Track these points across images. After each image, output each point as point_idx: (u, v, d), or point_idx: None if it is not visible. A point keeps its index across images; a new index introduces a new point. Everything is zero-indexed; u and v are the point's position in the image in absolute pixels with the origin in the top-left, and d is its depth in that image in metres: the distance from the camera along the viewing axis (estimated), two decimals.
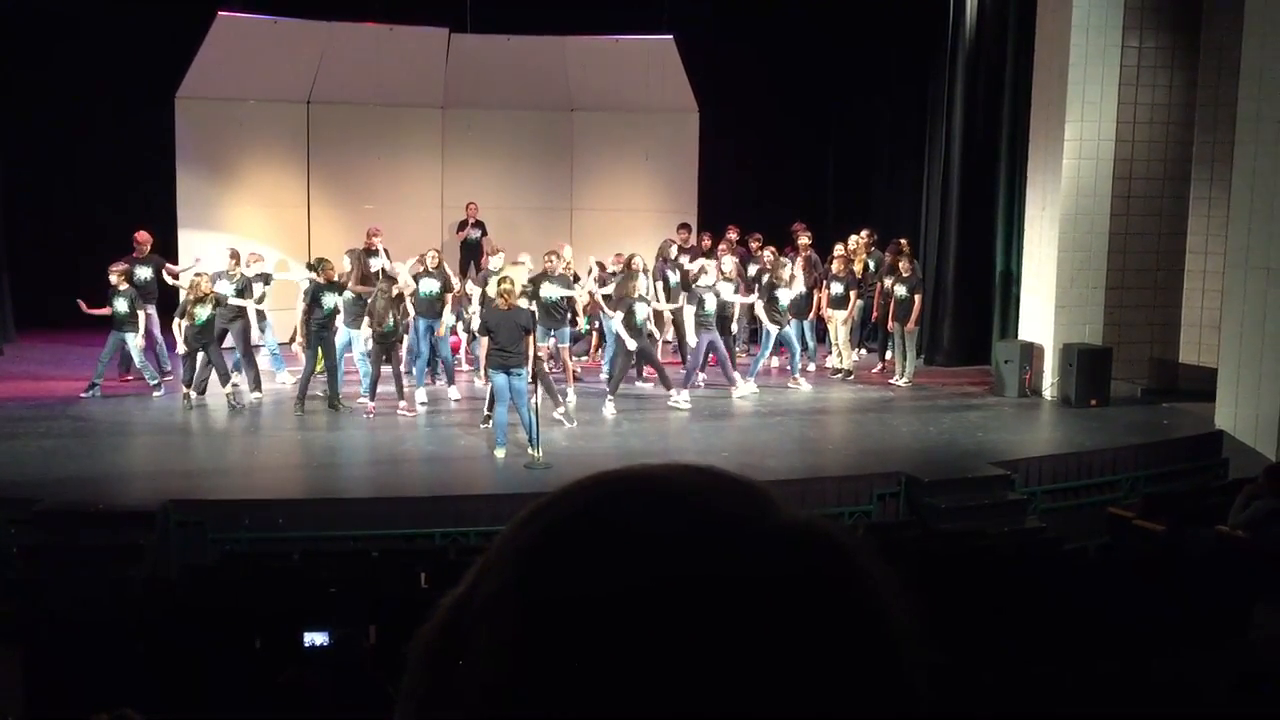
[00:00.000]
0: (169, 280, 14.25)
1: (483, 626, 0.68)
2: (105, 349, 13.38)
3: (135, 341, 13.27)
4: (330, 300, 12.84)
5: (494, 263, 14.23)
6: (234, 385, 13.25)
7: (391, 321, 12.60)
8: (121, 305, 13.19)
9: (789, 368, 14.91)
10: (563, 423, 12.29)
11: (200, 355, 12.87)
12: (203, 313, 12.63)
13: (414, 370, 13.60)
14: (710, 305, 13.59)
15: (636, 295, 13.03)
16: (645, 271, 13.89)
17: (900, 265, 15.01)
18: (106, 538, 9.03)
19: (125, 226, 14.55)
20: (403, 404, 12.78)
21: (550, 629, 0.65)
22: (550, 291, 13.51)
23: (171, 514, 9.45)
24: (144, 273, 13.95)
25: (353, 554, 9.00)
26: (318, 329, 12.79)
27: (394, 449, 11.58)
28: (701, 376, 14.29)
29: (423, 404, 13.25)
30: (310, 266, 13.32)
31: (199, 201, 16.60)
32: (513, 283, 11.64)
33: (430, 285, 13.52)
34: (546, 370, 13.11)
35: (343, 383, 13.39)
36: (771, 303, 14.39)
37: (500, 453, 11.12)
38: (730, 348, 15.21)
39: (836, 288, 15.32)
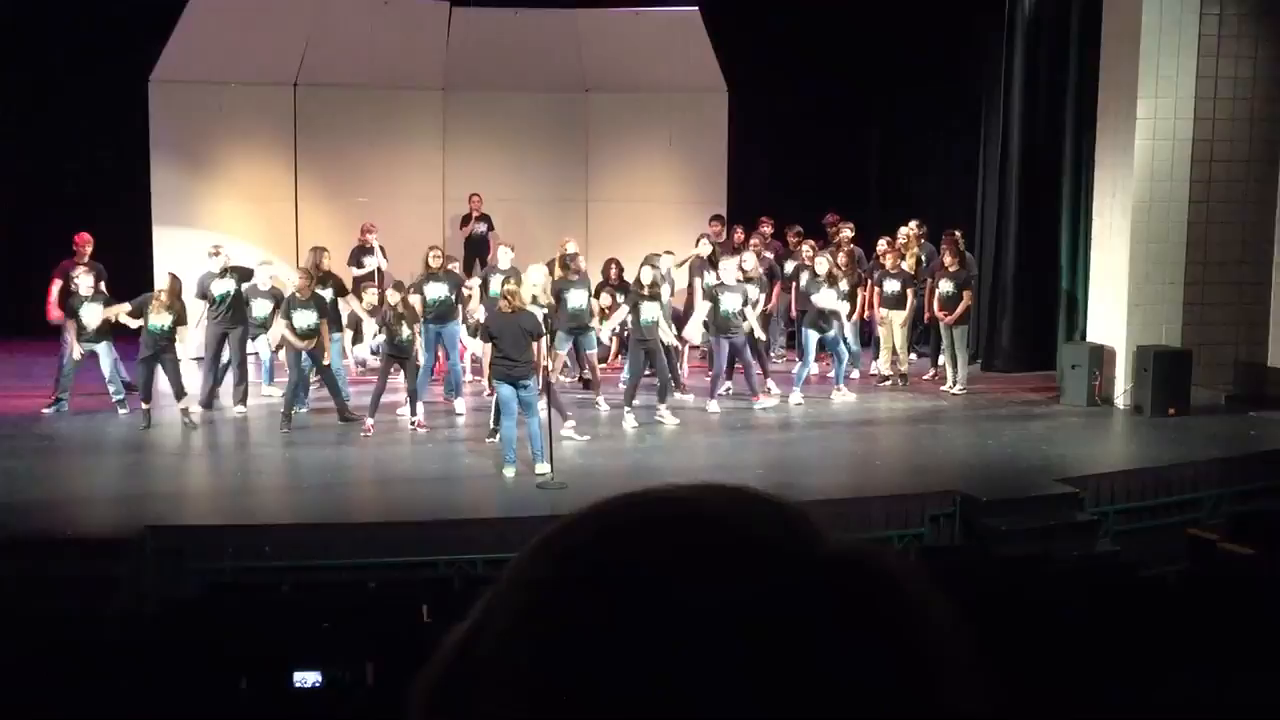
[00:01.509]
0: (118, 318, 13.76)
1: (492, 668, 0.68)
2: (65, 360, 13.39)
3: (107, 353, 13.24)
4: (304, 318, 12.90)
5: (502, 259, 14.27)
6: (189, 402, 13.36)
7: (406, 332, 12.64)
8: (90, 314, 13.22)
9: (831, 375, 14.86)
10: (573, 437, 12.30)
11: (204, 366, 12.97)
12: (161, 321, 12.63)
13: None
14: (726, 304, 13.58)
15: (645, 292, 13.03)
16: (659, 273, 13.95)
17: (946, 259, 14.99)
18: (76, 568, 9.07)
19: (92, 225, 14.59)
20: (416, 419, 12.83)
21: (567, 673, 0.65)
22: (579, 300, 13.55)
23: (148, 541, 9.49)
24: (86, 281, 13.35)
25: (348, 584, 9.03)
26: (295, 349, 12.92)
27: (392, 468, 11.62)
28: (727, 384, 14.29)
29: (414, 420, 13.27)
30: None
31: (175, 195, 16.65)
32: (519, 283, 11.64)
33: (438, 290, 13.55)
34: (554, 381, 13.14)
35: (348, 393, 13.46)
36: (807, 304, 14.33)
37: (509, 471, 11.15)
38: (761, 352, 15.20)
39: (892, 285, 15.28)
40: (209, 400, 13.55)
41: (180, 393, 12.80)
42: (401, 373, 12.89)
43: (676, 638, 0.64)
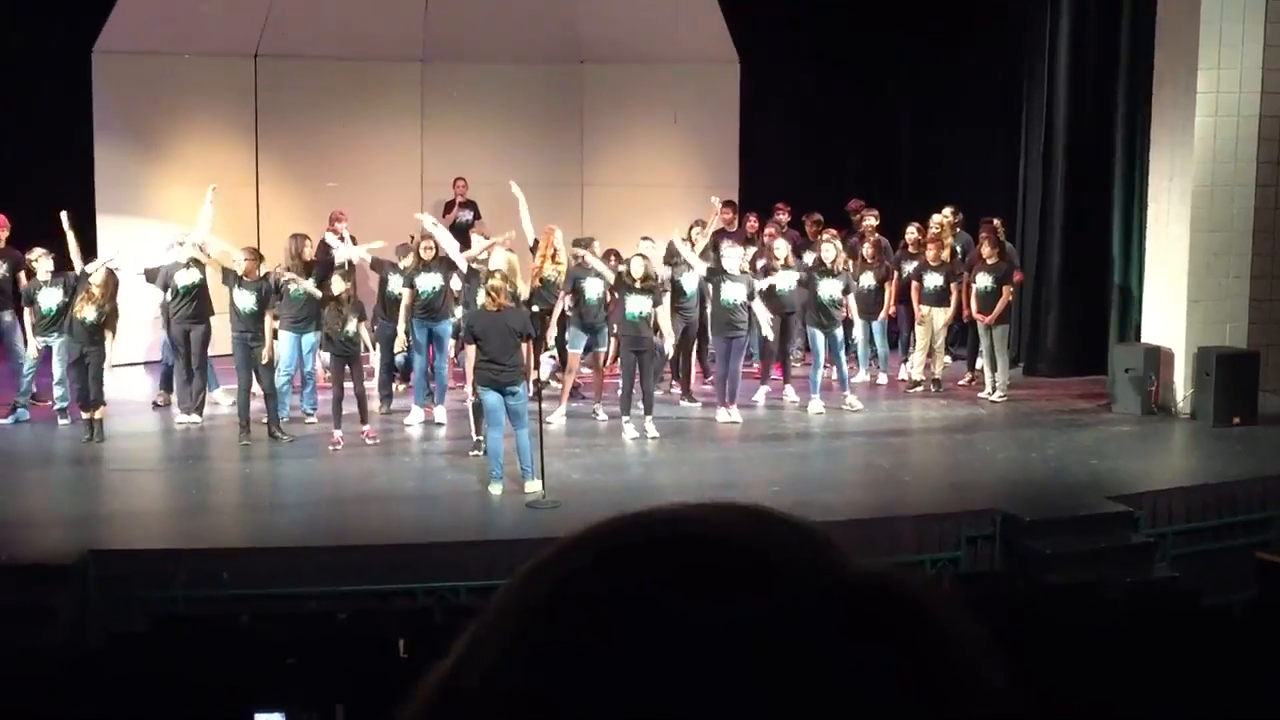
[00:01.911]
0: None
1: (482, 704, 0.68)
2: (20, 359, 13.41)
3: (63, 352, 13.15)
4: (244, 299, 12.88)
5: (496, 259, 14.24)
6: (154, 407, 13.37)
7: (350, 326, 12.62)
8: (49, 302, 13.22)
9: (857, 378, 14.84)
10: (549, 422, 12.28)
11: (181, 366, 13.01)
12: (86, 315, 12.64)
13: (406, 385, 13.89)
14: (728, 295, 13.56)
15: (635, 284, 13.05)
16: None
17: (985, 251, 15.00)
18: (11, 597, 9.07)
19: (27, 213, 14.54)
20: (366, 429, 12.82)
21: (567, 701, 0.65)
22: (596, 289, 13.56)
23: (91, 567, 9.48)
24: (46, 265, 13.39)
25: (315, 616, 9.03)
26: (236, 335, 12.92)
27: (365, 485, 11.63)
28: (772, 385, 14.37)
29: (406, 424, 13.33)
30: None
31: (122, 180, 16.65)
32: (504, 277, 11.62)
33: (431, 281, 13.55)
34: (545, 384, 13.13)
35: (313, 402, 13.43)
36: (814, 295, 14.33)
37: (495, 489, 11.16)
38: (787, 354, 15.19)
39: (934, 279, 15.26)
40: (200, 405, 13.49)
41: (98, 401, 12.74)
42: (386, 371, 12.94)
43: (681, 659, 0.65)
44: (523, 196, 14.18)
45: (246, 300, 12.88)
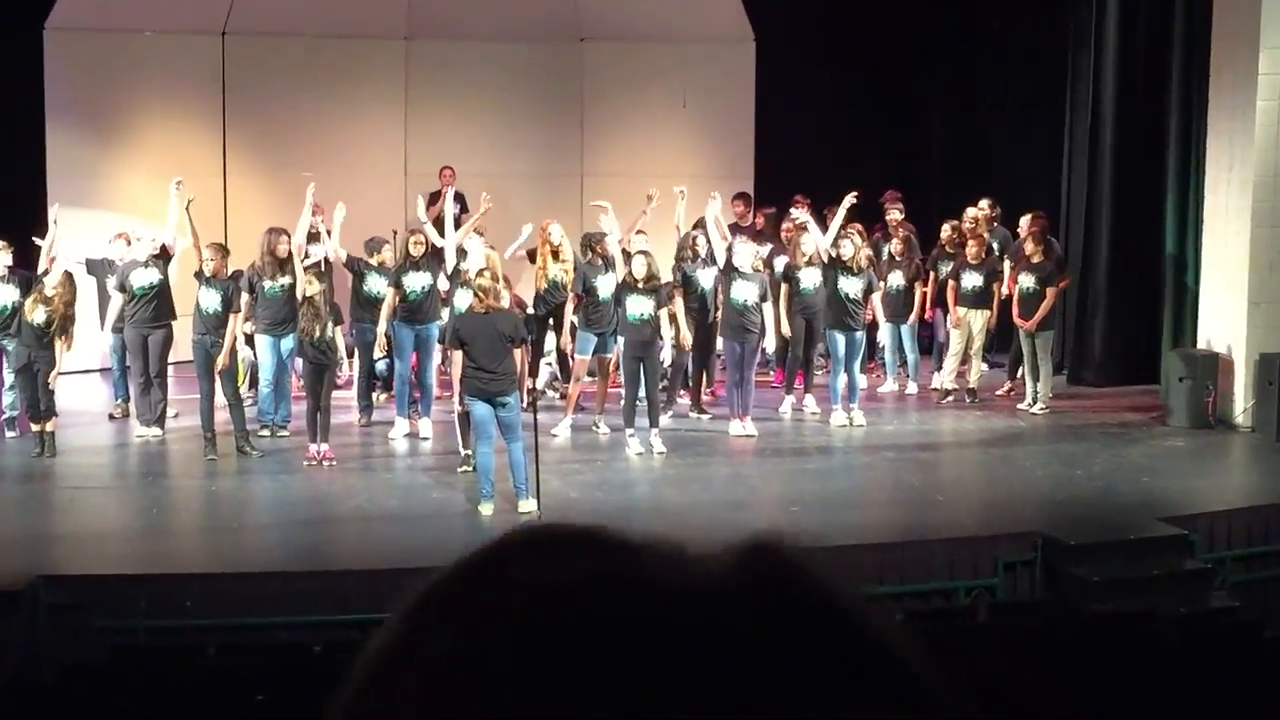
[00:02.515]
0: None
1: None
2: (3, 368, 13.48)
3: (19, 357, 13.19)
4: (209, 299, 12.92)
5: (472, 253, 14.25)
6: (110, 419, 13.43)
7: (321, 333, 12.61)
8: (2, 300, 13.27)
9: (889, 386, 14.82)
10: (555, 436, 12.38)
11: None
12: (37, 318, 12.67)
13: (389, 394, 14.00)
14: (739, 295, 13.59)
15: (638, 283, 13.07)
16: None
17: (1028, 247, 14.98)
18: None
19: None
20: (315, 448, 12.69)
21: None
22: (610, 287, 13.63)
23: (42, 594, 9.48)
24: (4, 259, 13.47)
25: (287, 648, 9.03)
26: (197, 338, 12.96)
27: (343, 505, 11.65)
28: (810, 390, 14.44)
29: (397, 436, 13.35)
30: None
31: (76, 169, 16.67)
32: (493, 275, 11.63)
33: (420, 281, 13.57)
34: (541, 394, 13.15)
35: (286, 413, 13.50)
36: (834, 294, 14.32)
37: (486, 508, 11.18)
38: (810, 360, 15.19)
39: (973, 279, 15.24)
40: (161, 417, 13.53)
41: (49, 411, 12.77)
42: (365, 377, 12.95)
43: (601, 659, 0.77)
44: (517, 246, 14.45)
45: (211, 300, 12.89)
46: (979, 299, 15.23)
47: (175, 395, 14.14)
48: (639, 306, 13.09)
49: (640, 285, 13.16)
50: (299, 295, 13.01)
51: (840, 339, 14.33)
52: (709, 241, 14.37)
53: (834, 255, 14.42)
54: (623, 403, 13.39)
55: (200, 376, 12.97)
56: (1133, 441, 13.87)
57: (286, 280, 13.30)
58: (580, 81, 18.38)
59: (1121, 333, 16.32)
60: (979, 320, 15.26)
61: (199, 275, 12.99)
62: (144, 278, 13.46)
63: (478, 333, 11.20)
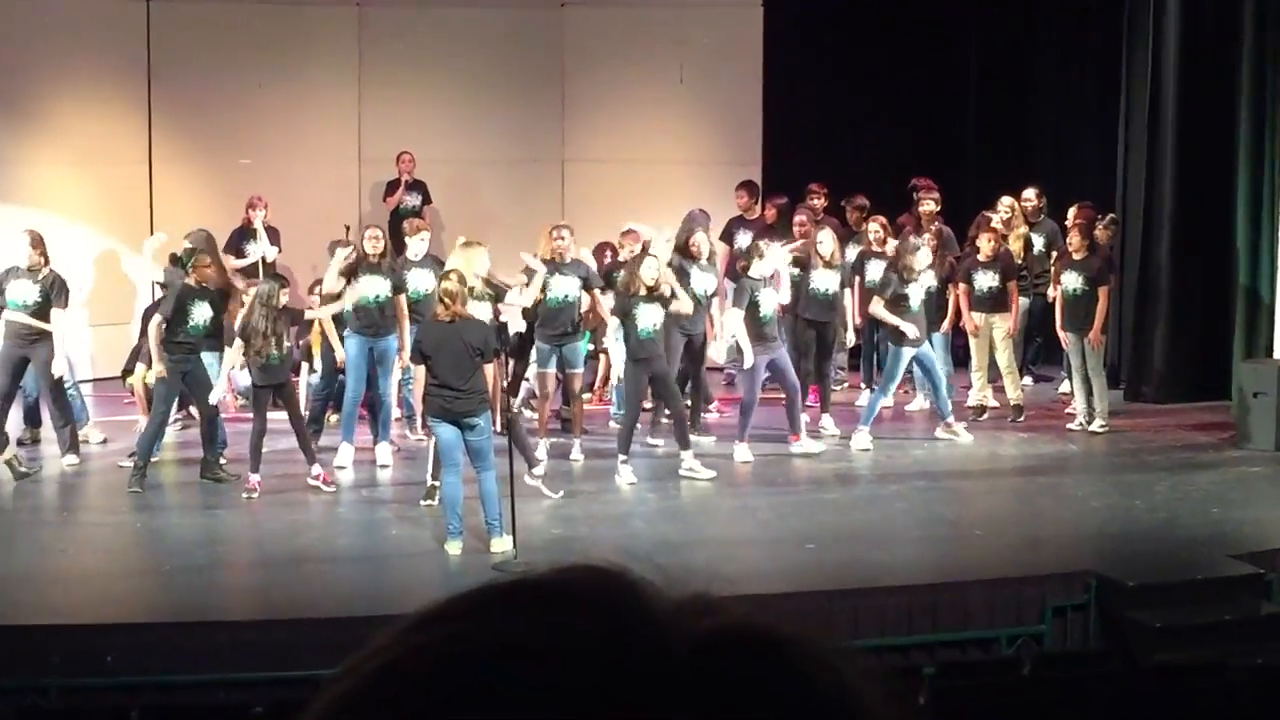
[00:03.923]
0: None
1: None
2: None
3: None
4: (203, 314, 12.98)
5: (414, 247, 14.24)
6: (19, 445, 13.50)
7: (276, 349, 12.64)
8: None
9: (937, 407, 14.93)
10: (543, 492, 12.38)
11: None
12: None
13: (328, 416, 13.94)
14: (769, 307, 13.71)
15: (644, 291, 13.02)
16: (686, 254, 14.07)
17: (1073, 243, 15.03)
18: None
19: None
20: (316, 471, 12.87)
21: None
22: (563, 288, 13.67)
23: None
24: None
25: (224, 710, 9.03)
26: (182, 357, 12.96)
27: (289, 544, 11.63)
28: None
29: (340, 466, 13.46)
30: (177, 260, 13.45)
31: None
32: (461, 279, 11.62)
33: (375, 286, 13.64)
34: (518, 414, 13.17)
35: (223, 438, 13.57)
36: (899, 307, 14.32)
37: (453, 547, 11.18)
38: (827, 374, 15.24)
39: (986, 279, 15.25)
40: (74, 443, 13.60)
41: (3, 441, 12.88)
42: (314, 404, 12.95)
43: None
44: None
45: (204, 313, 13.02)
46: (994, 302, 15.26)
47: (98, 417, 14.22)
48: (650, 318, 12.97)
49: (650, 293, 13.03)
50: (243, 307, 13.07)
51: (906, 354, 14.42)
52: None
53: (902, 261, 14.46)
54: (618, 426, 13.44)
55: (158, 401, 13.11)
56: (1200, 467, 13.84)
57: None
58: (560, 52, 18.40)
59: (1186, 341, 16.26)
60: (999, 327, 15.31)
61: (188, 297, 13.00)
62: (21, 293, 13.34)
63: (441, 344, 11.16)
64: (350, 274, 13.50)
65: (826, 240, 14.78)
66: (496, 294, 13.16)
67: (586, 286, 13.89)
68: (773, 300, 13.77)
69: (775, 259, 14.02)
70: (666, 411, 13.99)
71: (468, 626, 0.95)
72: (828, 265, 14.72)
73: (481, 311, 12.18)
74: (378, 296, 13.55)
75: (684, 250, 14.34)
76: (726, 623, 0.95)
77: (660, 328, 13.11)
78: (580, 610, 0.94)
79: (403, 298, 13.69)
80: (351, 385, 13.64)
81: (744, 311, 13.59)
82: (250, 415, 13.07)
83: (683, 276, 13.89)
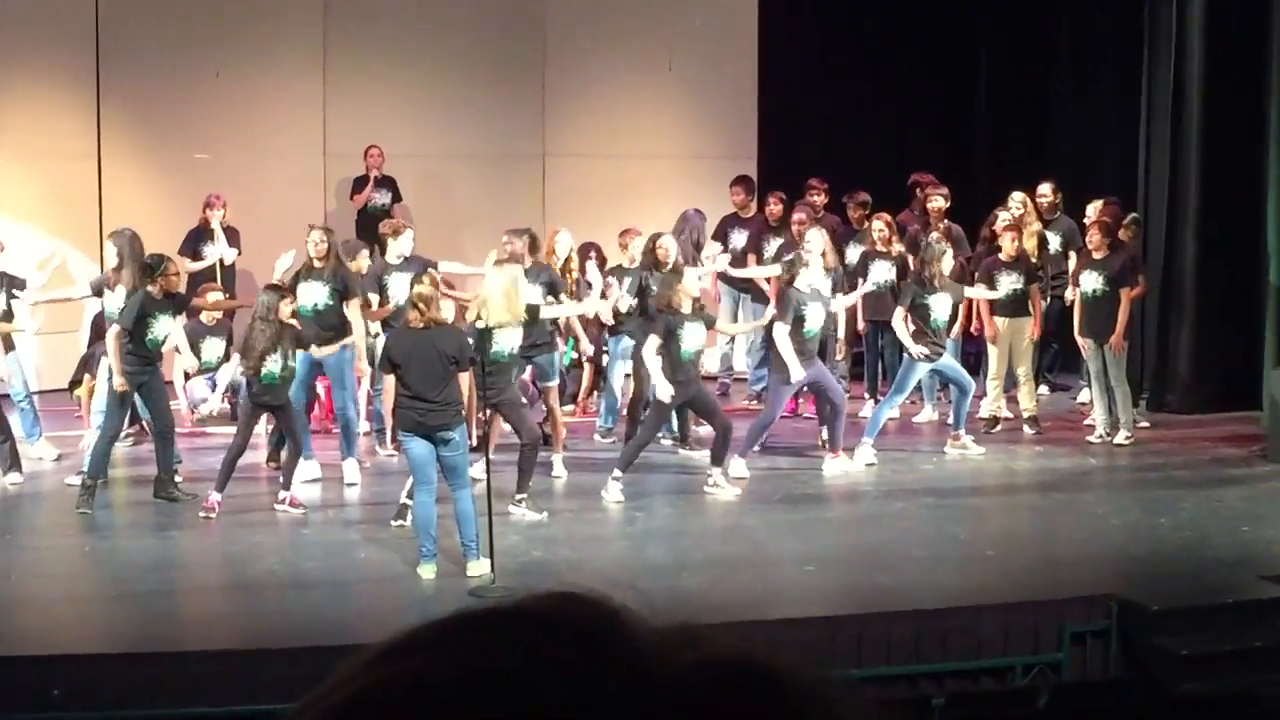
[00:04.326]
0: None
1: None
2: None
3: None
4: (165, 326, 12.95)
5: (395, 248, 14.18)
6: None
7: (277, 364, 12.52)
8: None
9: (954, 416, 14.90)
10: (519, 513, 12.39)
11: None
12: None
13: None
14: (816, 322, 13.69)
15: (687, 309, 13.04)
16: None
17: (1092, 241, 14.98)
18: None
19: None
20: (283, 495, 12.82)
21: None
22: (528, 295, 13.54)
23: None
24: None
25: None
26: (138, 369, 12.86)
27: (250, 568, 11.59)
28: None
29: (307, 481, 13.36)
30: (149, 268, 13.35)
31: None
32: (435, 282, 11.59)
33: (313, 294, 13.52)
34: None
35: (176, 454, 13.52)
36: (920, 315, 14.32)
37: (427, 570, 11.15)
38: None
39: (1009, 280, 15.25)
40: (13, 459, 13.57)
41: None
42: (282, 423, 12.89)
43: None
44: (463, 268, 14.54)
45: (167, 325, 12.99)
46: (1016, 305, 15.24)
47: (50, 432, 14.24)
48: (695, 338, 13.06)
49: (695, 310, 13.14)
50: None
51: (922, 365, 14.46)
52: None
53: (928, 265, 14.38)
54: (629, 442, 13.48)
55: (108, 411, 13.13)
56: (1228, 482, 13.88)
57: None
58: (541, 38, 18.42)
59: (1213, 347, 16.36)
60: (1022, 332, 15.25)
61: (149, 306, 12.93)
62: None
63: (412, 353, 11.16)
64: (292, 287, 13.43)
65: (816, 241, 14.55)
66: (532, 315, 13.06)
67: (552, 292, 13.90)
68: (819, 315, 13.75)
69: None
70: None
71: (436, 658, 0.95)
72: (827, 269, 14.54)
73: (512, 339, 12.19)
74: (315, 305, 13.48)
75: (651, 257, 14.30)
76: (712, 654, 0.95)
77: (702, 350, 13.34)
78: (557, 641, 0.94)
79: (356, 303, 13.59)
80: (298, 397, 13.55)
81: (789, 325, 13.57)
82: (203, 431, 13.02)
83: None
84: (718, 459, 13.34)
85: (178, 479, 13.21)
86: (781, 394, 13.95)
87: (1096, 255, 14.95)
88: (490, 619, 0.99)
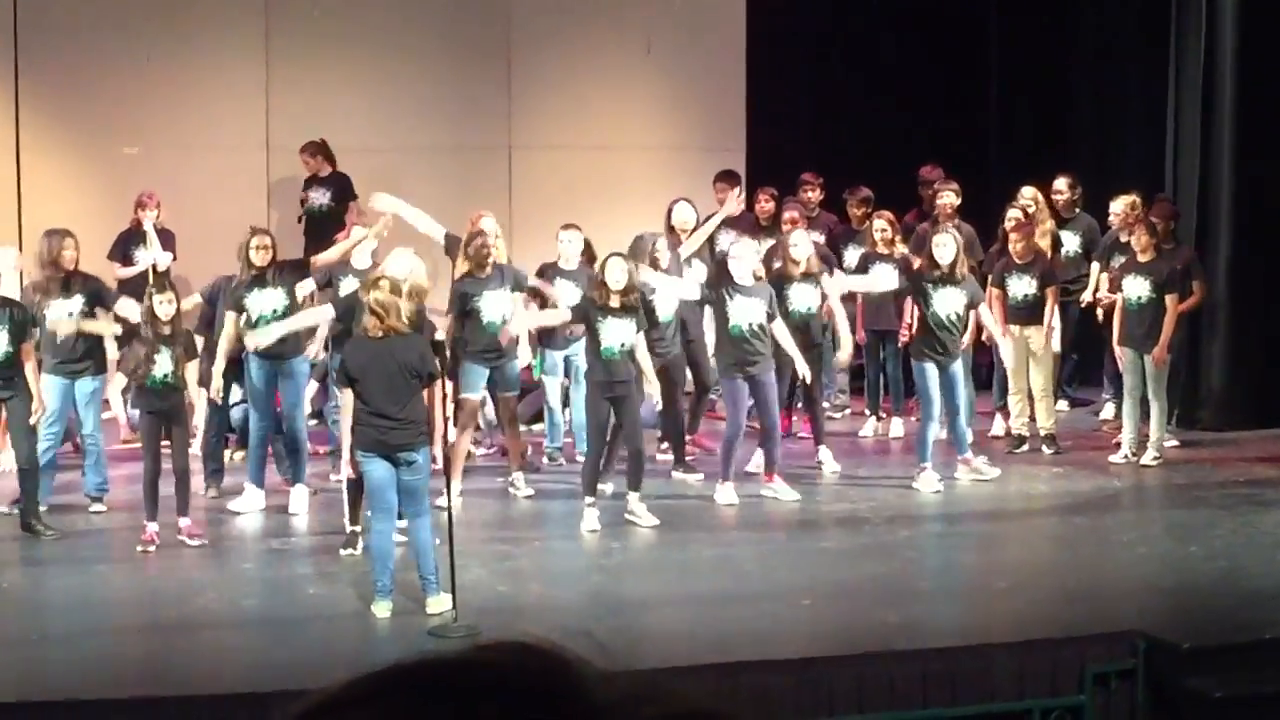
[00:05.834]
0: None
1: None
2: None
3: None
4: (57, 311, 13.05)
5: (360, 255, 14.22)
6: None
7: (163, 371, 12.53)
8: None
9: (953, 439, 14.94)
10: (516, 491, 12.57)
11: None
12: None
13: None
14: (739, 317, 13.64)
15: (613, 301, 12.96)
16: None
17: (1139, 241, 14.91)
18: None
19: None
20: (184, 523, 12.75)
21: None
22: (495, 310, 13.64)
23: None
24: None
25: None
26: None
27: (187, 605, 11.56)
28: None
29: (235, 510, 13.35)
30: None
31: None
32: (395, 288, 11.59)
33: (270, 301, 13.53)
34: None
35: (104, 478, 13.52)
36: (928, 322, 14.37)
37: (382, 609, 11.12)
38: (816, 399, 15.21)
39: (1023, 284, 15.26)
40: None
41: None
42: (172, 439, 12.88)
43: None
44: (400, 203, 14.34)
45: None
46: (1032, 311, 15.23)
47: None
48: (618, 334, 12.90)
49: (618, 303, 12.94)
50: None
51: (933, 373, 14.40)
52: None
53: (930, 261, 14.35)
54: (582, 462, 13.47)
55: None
56: (1266, 505, 13.88)
57: (77, 303, 13.26)
58: (506, 18, 18.48)
59: (1248, 361, 16.44)
60: (1037, 340, 15.25)
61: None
62: None
63: (370, 365, 11.16)
64: (238, 301, 13.41)
65: (801, 243, 14.56)
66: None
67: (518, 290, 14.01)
68: (751, 310, 13.70)
69: (746, 261, 13.95)
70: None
71: (368, 716, 0.95)
72: (805, 276, 14.51)
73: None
74: (275, 311, 13.42)
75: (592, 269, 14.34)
76: (669, 711, 0.94)
77: (629, 348, 13.00)
78: (502, 698, 0.93)
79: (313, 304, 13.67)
80: (256, 418, 13.60)
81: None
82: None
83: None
84: (633, 484, 13.26)
85: (43, 508, 13.07)
86: (734, 402, 13.92)
87: (1143, 258, 14.88)
88: (430, 673, 0.98)
